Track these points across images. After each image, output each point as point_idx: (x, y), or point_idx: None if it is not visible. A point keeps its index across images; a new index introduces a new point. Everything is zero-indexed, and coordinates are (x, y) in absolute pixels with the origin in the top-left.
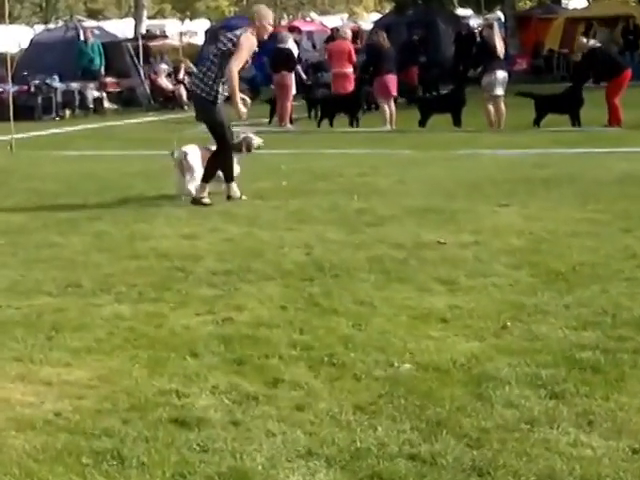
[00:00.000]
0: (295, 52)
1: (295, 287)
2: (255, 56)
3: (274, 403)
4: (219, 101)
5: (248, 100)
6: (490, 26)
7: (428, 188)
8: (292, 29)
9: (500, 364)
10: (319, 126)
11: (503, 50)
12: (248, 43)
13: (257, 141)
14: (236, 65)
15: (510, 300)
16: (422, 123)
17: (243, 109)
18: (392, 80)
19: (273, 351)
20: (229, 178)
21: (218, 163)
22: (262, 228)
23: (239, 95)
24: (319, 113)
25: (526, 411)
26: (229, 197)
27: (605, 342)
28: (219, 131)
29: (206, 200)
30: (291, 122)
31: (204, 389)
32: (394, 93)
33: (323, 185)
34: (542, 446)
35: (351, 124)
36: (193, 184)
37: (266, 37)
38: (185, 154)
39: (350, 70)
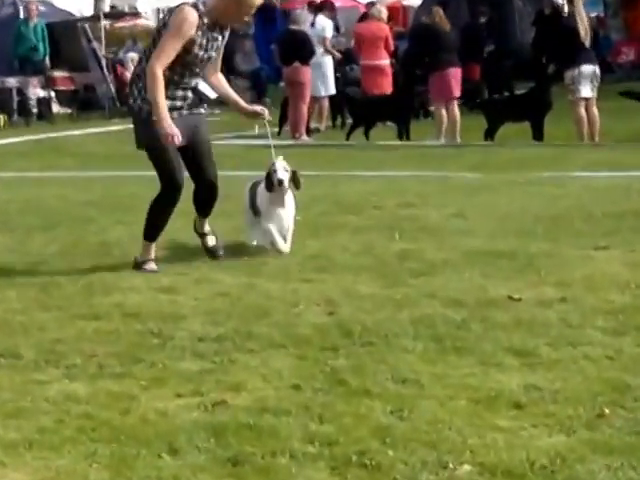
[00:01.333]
0: (327, 34)
1: (313, 359)
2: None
3: None
4: (158, 114)
5: (266, 113)
6: (571, 1)
7: (497, 224)
8: (320, 6)
9: (595, 466)
10: (348, 138)
11: (589, 34)
12: (180, 21)
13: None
14: (159, 59)
15: (609, 378)
16: (490, 135)
17: (177, 132)
18: (456, 75)
19: (282, 447)
20: (147, 235)
21: (151, 212)
22: (268, 279)
23: (164, 110)
24: (348, 120)
25: None
26: (138, 265)
27: None
28: (155, 163)
29: (151, 266)
30: (308, 133)
31: None
32: (457, 94)
33: (353, 219)
34: None
35: (400, 136)
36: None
37: (247, 18)
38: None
39: (386, 62)
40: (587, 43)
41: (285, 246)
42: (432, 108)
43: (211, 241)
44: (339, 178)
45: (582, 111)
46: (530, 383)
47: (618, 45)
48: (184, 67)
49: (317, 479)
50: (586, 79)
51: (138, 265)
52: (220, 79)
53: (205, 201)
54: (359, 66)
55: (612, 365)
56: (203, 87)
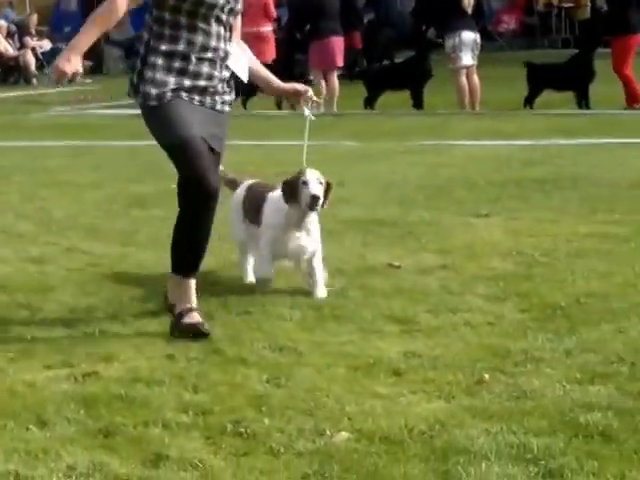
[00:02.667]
0: None
1: None
2: None
3: None
4: (165, 98)
5: (310, 92)
6: None
7: (377, 193)
8: None
9: (475, 431)
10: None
11: (471, 3)
12: None
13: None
14: None
15: (490, 345)
16: (369, 103)
17: (74, 70)
18: (337, 44)
19: (155, 417)
20: (180, 265)
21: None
22: (142, 247)
23: (78, 42)
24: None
25: None
26: (172, 309)
27: (620, 400)
28: (176, 164)
29: (193, 318)
30: None
31: (56, 470)
32: (339, 63)
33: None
34: None
35: (279, 105)
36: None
37: None
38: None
39: (268, 29)
40: (469, 10)
41: (321, 290)
42: (311, 77)
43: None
44: None
45: (463, 79)
46: (409, 350)
47: (499, 14)
48: (193, 17)
49: (191, 449)
50: (467, 47)
51: (174, 314)
52: (244, 48)
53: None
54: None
55: (492, 331)
56: (234, 63)
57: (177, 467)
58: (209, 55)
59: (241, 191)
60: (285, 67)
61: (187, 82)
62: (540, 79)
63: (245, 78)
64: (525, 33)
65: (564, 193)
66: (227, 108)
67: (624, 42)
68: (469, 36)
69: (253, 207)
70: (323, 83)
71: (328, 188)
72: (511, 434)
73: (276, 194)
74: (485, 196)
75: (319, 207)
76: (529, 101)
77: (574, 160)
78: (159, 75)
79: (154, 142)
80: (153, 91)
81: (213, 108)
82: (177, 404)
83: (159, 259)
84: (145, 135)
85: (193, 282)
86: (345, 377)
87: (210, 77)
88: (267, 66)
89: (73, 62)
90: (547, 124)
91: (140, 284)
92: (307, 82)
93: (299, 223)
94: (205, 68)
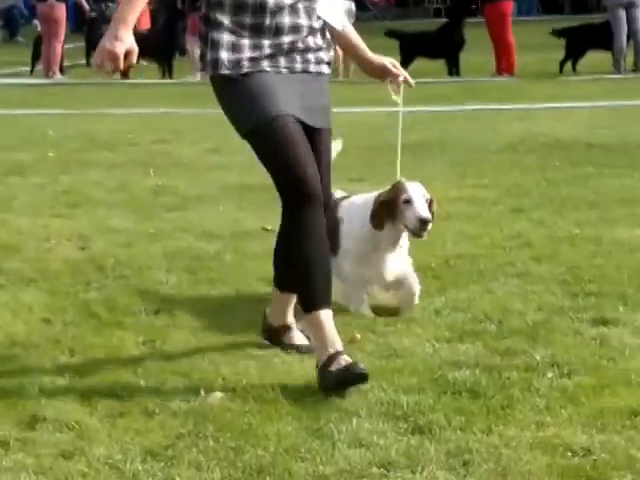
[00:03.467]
0: None
1: (64, 293)
2: None
3: (31, 450)
4: (241, 67)
5: (402, 74)
6: None
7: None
8: None
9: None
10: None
11: None
12: None
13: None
14: None
15: None
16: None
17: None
18: None
19: (31, 380)
20: (310, 302)
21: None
22: (18, 214)
23: (122, 15)
24: None
25: (380, 451)
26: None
27: (488, 358)
28: (260, 157)
29: (295, 337)
30: (62, 71)
31: None
32: None
33: (107, 156)
34: None
35: (163, 75)
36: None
37: None
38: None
39: None
40: None
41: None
42: (188, 46)
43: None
44: (94, 116)
45: (337, 48)
46: None
47: None
48: None
49: (67, 410)
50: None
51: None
52: None
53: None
54: (115, 4)
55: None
56: (324, 8)
57: (53, 428)
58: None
59: None
60: (167, 37)
61: (266, 42)
62: (412, 48)
63: (339, 26)
64: (398, 3)
65: (435, 158)
66: (325, 69)
67: (497, 9)
68: (345, 4)
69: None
70: (198, 51)
71: (431, 204)
72: (381, 391)
73: (355, 211)
74: (358, 161)
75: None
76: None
77: (445, 126)
78: (227, 36)
79: (38, 110)
80: (224, 56)
81: (306, 71)
82: (53, 367)
83: (36, 226)
84: (24, 104)
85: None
86: (219, 339)
87: (296, 29)
88: (143, 36)
89: (126, 40)
90: (418, 91)
91: (16, 250)
92: (183, 52)
93: (392, 247)
94: (286, 18)
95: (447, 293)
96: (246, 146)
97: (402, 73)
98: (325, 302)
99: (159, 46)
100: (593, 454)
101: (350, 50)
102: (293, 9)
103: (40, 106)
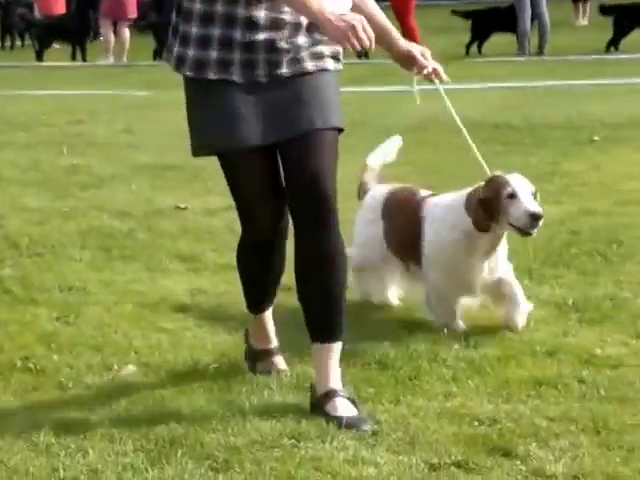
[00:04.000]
0: None
1: None
2: None
3: None
4: (207, 71)
5: (432, 67)
6: None
7: (165, 139)
8: None
9: None
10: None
11: None
12: None
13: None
14: None
15: None
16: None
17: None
18: None
19: None
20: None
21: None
22: None
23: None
24: (18, 42)
25: (290, 422)
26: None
27: (396, 330)
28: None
29: (275, 362)
30: None
31: None
32: (131, 15)
33: (21, 136)
34: (311, 466)
35: (74, 57)
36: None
37: None
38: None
39: None
40: None
41: (521, 318)
42: (102, 29)
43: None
44: (8, 97)
45: None
46: (195, 287)
47: None
48: None
49: None
50: None
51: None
52: None
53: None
54: None
55: None
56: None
57: None
58: None
59: (376, 201)
60: (81, 20)
61: (238, 36)
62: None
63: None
64: None
65: (344, 139)
66: (330, 64)
67: None
68: None
69: (403, 235)
70: (111, 33)
71: (535, 197)
72: (292, 364)
73: (442, 212)
74: None
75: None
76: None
77: (355, 107)
78: (195, 29)
79: None
80: (190, 53)
81: (299, 73)
82: None
83: None
84: None
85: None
86: (132, 314)
87: (275, 25)
88: (57, 19)
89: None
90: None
91: None
92: (97, 35)
93: (489, 251)
94: (262, 11)
95: None
96: (160, 127)
97: (431, 64)
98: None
99: (72, 29)
100: (499, 423)
101: (376, 34)
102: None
103: None
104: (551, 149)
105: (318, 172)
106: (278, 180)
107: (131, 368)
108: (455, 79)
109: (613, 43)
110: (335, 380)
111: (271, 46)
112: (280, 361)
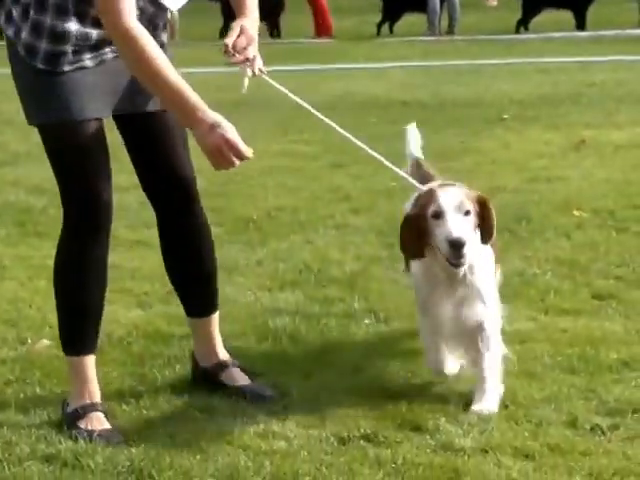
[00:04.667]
0: None
1: None
2: None
3: None
4: (60, 64)
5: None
6: None
7: None
8: None
9: (170, 337)
10: None
11: None
12: None
13: None
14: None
15: None
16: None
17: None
18: None
19: None
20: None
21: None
22: None
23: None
24: None
25: (202, 397)
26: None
27: (307, 305)
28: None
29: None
30: None
31: None
32: None
33: None
34: (222, 440)
35: None
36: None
37: None
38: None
39: None
40: None
41: (488, 402)
42: None
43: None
44: None
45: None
46: (109, 262)
47: None
48: None
49: None
50: None
51: (68, 417)
52: None
53: (185, 254)
54: None
55: None
56: None
57: None
58: None
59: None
60: None
61: (92, 31)
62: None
63: (174, 7)
64: None
65: (258, 115)
66: (164, 37)
67: None
68: None
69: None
70: None
71: (485, 210)
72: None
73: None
74: None
75: (465, 260)
76: (225, 32)
77: (266, 85)
78: (50, 20)
79: None
80: (44, 46)
81: None
82: None
83: None
84: None
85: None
86: (47, 289)
87: None
88: None
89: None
90: None
91: None
92: None
93: (449, 282)
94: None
95: (268, 244)
96: None
97: (251, 53)
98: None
99: None
100: (408, 397)
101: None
102: None
103: None
104: (461, 127)
105: (176, 147)
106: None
107: (45, 342)
108: (366, 59)
109: (522, 23)
110: (224, 351)
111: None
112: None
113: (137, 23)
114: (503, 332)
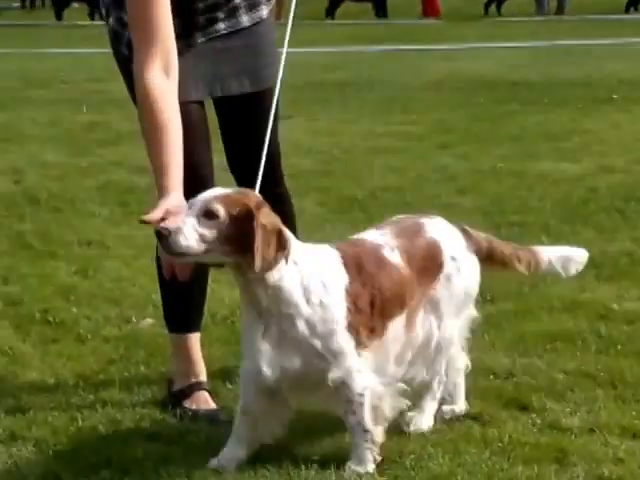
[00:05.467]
0: None
1: None
2: None
3: None
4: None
5: None
6: None
7: None
8: None
9: None
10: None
11: None
12: None
13: None
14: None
15: None
16: None
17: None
18: None
19: None
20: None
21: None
22: None
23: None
24: (39, 1)
25: None
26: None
27: None
28: None
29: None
30: None
31: None
32: None
33: (41, 94)
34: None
35: (93, 16)
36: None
37: None
38: None
39: None
40: None
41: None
42: None
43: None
44: (28, 55)
45: None
46: None
47: None
48: None
49: (1, 336)
50: None
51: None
52: None
53: None
54: None
55: None
56: None
57: None
58: None
59: None
60: None
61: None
62: None
63: None
64: None
65: (362, 96)
66: (264, 12)
67: None
68: None
69: None
70: None
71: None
72: None
73: None
74: (287, 99)
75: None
76: (330, 12)
77: (372, 66)
78: None
79: None
80: (127, 33)
81: (237, 29)
82: None
83: None
84: None
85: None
86: (150, 268)
87: None
88: None
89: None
90: (347, 33)
91: None
92: None
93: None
94: None
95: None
96: None
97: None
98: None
99: None
100: (515, 377)
101: None
102: None
103: None
104: (570, 107)
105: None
106: None
107: (149, 321)
108: (473, 39)
109: (633, 3)
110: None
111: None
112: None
113: (158, 83)
114: (612, 312)
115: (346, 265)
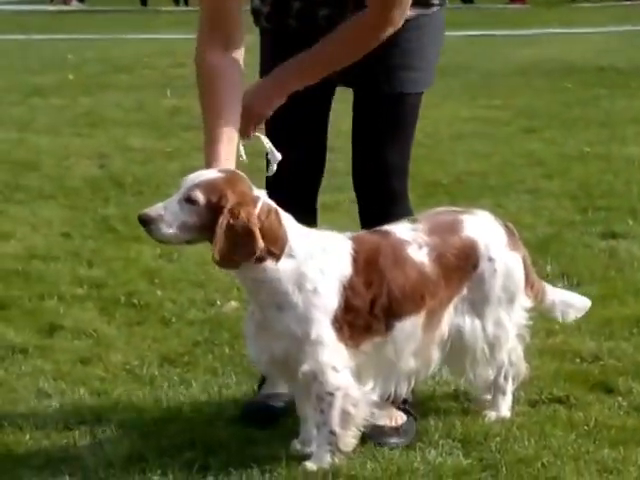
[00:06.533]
0: None
1: (83, 208)
2: None
3: (50, 356)
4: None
5: None
6: None
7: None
8: None
9: None
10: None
11: None
12: None
13: None
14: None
15: None
16: None
17: None
18: None
19: (50, 290)
20: None
21: None
22: (38, 134)
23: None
24: None
25: None
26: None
27: None
28: None
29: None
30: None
31: None
32: None
33: (125, 79)
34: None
35: (177, 1)
36: None
37: None
38: None
39: None
40: None
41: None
42: None
43: None
44: (112, 41)
45: None
46: None
47: None
48: None
49: (85, 319)
50: None
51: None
52: None
53: None
54: None
55: None
56: None
57: (71, 336)
58: None
59: None
60: None
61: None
62: None
63: None
64: None
65: (447, 80)
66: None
67: None
68: None
69: None
70: None
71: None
72: None
73: None
74: None
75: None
76: None
77: (458, 50)
78: None
79: (57, 36)
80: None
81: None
82: (72, 278)
83: (56, 145)
84: (44, 29)
85: None
86: None
87: None
88: None
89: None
90: None
91: (35, 168)
92: None
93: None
94: None
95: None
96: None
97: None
98: None
99: None
100: (601, 360)
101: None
102: None
103: (60, 32)
104: None
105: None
106: None
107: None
108: (560, 24)
109: None
110: None
111: None
112: None
113: (219, 60)
114: None
115: (355, 258)
